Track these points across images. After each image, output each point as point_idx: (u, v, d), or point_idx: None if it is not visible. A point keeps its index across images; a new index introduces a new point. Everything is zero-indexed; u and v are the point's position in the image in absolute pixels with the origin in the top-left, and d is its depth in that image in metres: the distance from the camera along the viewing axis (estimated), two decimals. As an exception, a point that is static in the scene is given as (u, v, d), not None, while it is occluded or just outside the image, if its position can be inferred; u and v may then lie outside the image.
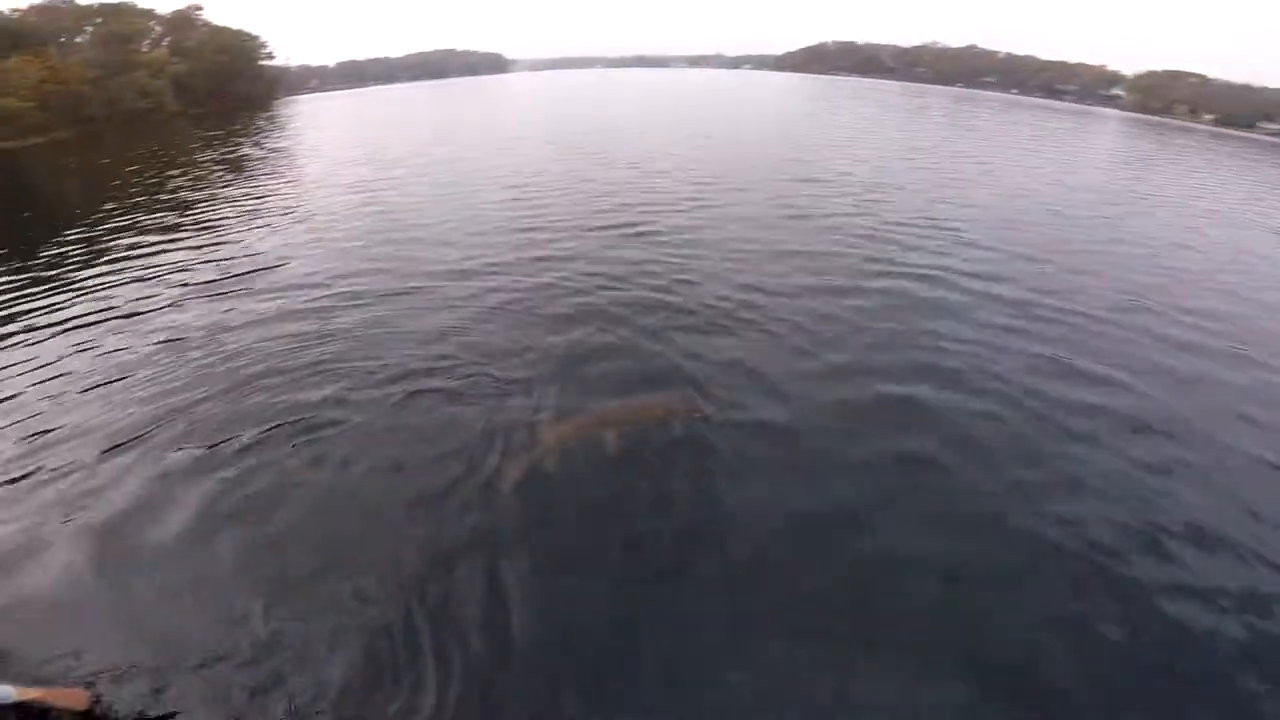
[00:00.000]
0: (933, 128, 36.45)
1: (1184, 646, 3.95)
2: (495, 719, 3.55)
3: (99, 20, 54.39)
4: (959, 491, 5.21)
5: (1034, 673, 3.80)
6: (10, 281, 10.58)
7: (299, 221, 14.02)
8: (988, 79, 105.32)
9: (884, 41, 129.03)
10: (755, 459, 5.49)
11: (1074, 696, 3.66)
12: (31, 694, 3.32)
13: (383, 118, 45.50)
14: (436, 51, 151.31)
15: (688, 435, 5.74)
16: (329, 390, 6.52)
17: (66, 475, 5.43)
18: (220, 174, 21.61)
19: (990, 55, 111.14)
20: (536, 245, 11.14)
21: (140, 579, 4.40)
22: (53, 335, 8.34)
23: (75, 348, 7.90)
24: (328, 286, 9.48)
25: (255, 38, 70.07)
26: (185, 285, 10.07)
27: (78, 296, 9.75)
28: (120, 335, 8.20)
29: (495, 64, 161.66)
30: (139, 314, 8.91)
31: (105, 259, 11.75)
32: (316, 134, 35.87)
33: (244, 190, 18.26)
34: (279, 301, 9.01)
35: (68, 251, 12.40)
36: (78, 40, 53.31)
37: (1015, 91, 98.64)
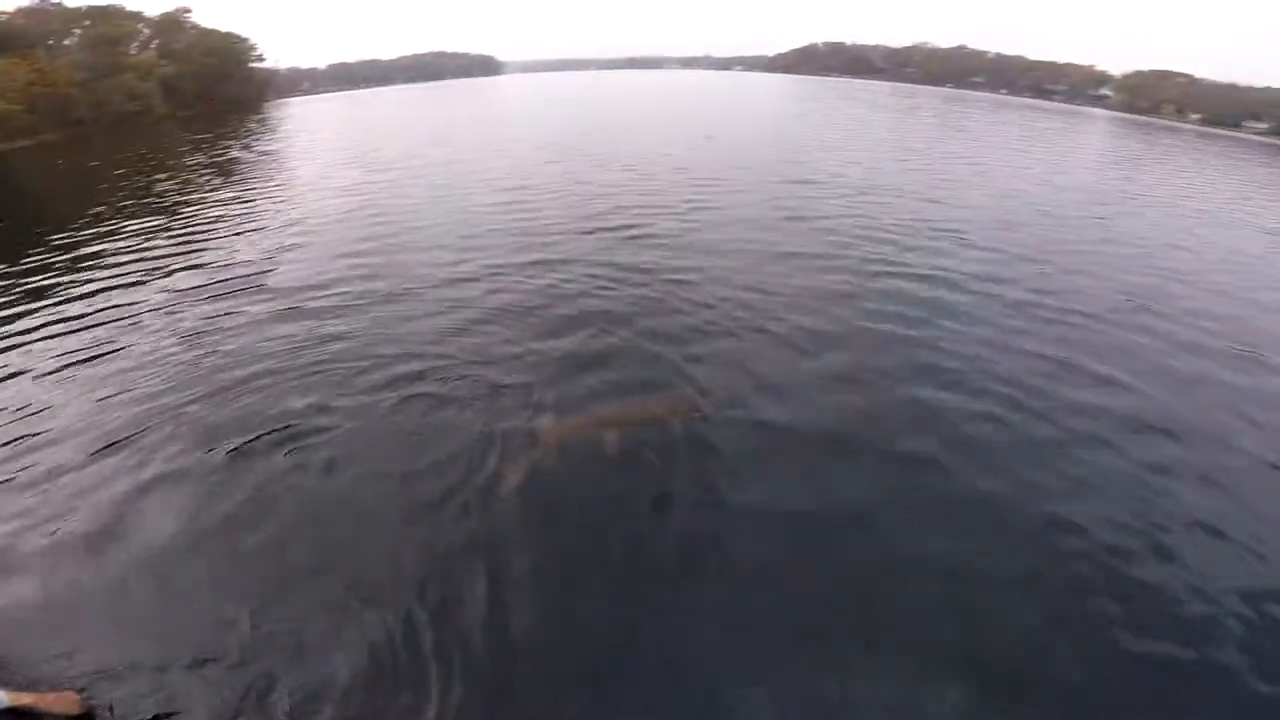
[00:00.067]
0: (923, 128, 36.65)
1: (1186, 646, 3.95)
2: (496, 718, 3.53)
3: (87, 23, 54.07)
4: (959, 491, 5.21)
5: (1036, 672, 3.80)
6: (-3, 285, 10.44)
7: (290, 225, 13.90)
8: (977, 79, 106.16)
9: (874, 42, 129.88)
10: (755, 459, 5.48)
11: (1075, 695, 3.66)
12: (23, 699, 3.29)
13: (374, 120, 45.34)
14: (428, 54, 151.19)
15: (688, 435, 5.72)
16: (324, 394, 6.46)
17: (57, 478, 5.37)
18: (209, 177, 21.45)
19: (979, 55, 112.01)
20: (533, 249, 11.07)
21: (133, 581, 4.36)
22: (40, 339, 8.25)
23: (64, 352, 7.81)
24: (320, 290, 9.40)
25: (245, 40, 69.88)
26: (175, 289, 9.97)
27: (65, 301, 9.66)
28: (111, 339, 8.11)
29: (487, 66, 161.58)
30: (129, 318, 8.82)
31: (93, 262, 11.64)
32: (307, 137, 35.69)
33: (234, 193, 18.12)
34: (271, 305, 8.93)
35: (55, 255, 12.28)
36: (66, 43, 52.99)
37: (1004, 92, 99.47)
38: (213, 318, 8.62)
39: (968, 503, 5.10)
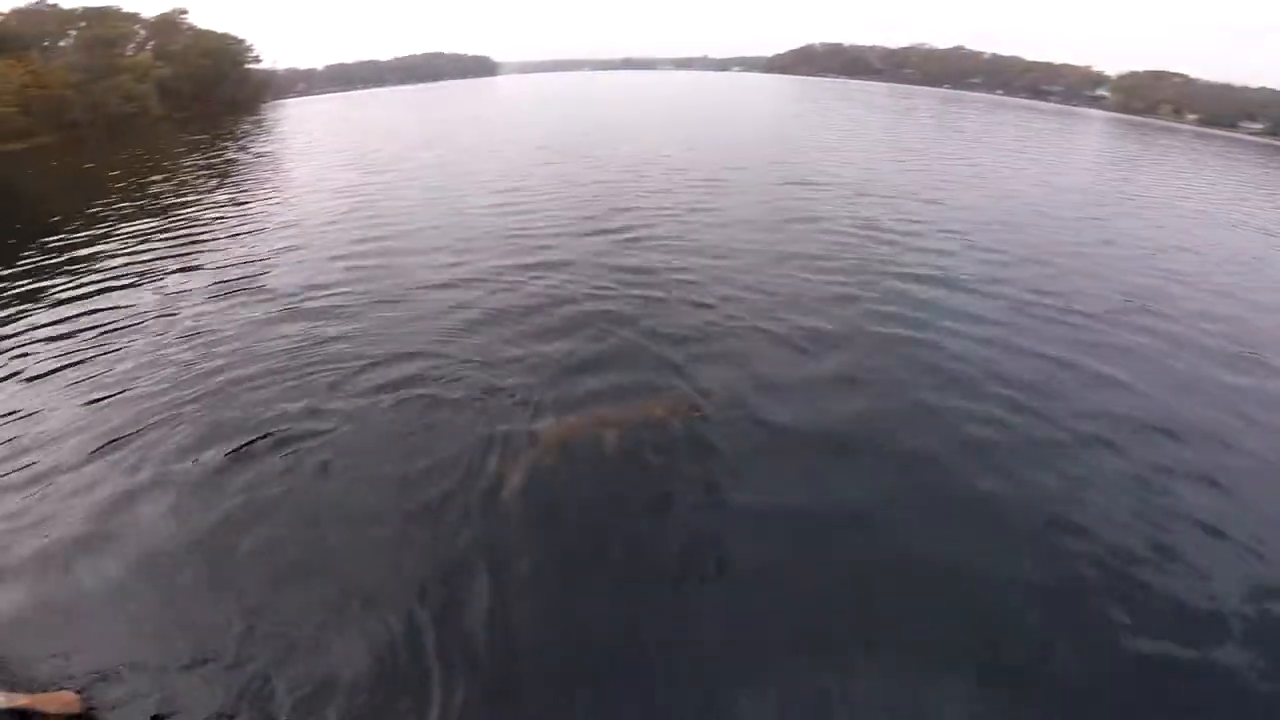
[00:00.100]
0: (921, 129, 36.72)
1: (1187, 645, 3.95)
2: (496, 718, 3.52)
3: (83, 24, 53.86)
4: (959, 491, 5.21)
5: (1036, 672, 3.79)
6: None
7: (287, 226, 13.86)
8: (974, 80, 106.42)
9: (871, 43, 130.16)
10: (755, 459, 5.48)
11: (1076, 695, 3.66)
12: (21, 700, 3.28)
13: (371, 121, 45.25)
14: (425, 54, 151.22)
15: (688, 435, 5.71)
16: (322, 396, 6.44)
17: (54, 479, 5.35)
18: (205, 179, 21.38)
19: (976, 56, 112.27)
20: (531, 250, 11.05)
21: (130, 582, 4.34)
22: (35, 342, 8.21)
23: (59, 354, 7.78)
24: (318, 292, 9.37)
25: (241, 41, 69.69)
26: (171, 291, 9.93)
27: (60, 304, 9.62)
28: (106, 342, 8.08)
29: (483, 67, 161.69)
30: (124, 321, 8.78)
31: (88, 265, 11.59)
32: (304, 138, 35.60)
33: (230, 195, 18.07)
34: (268, 307, 8.90)
35: (50, 257, 12.23)
36: (61, 44, 52.75)
37: (1001, 92, 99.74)
38: (209, 320, 8.59)
39: (968, 503, 5.09)
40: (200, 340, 7.90)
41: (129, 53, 56.99)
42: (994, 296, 9.24)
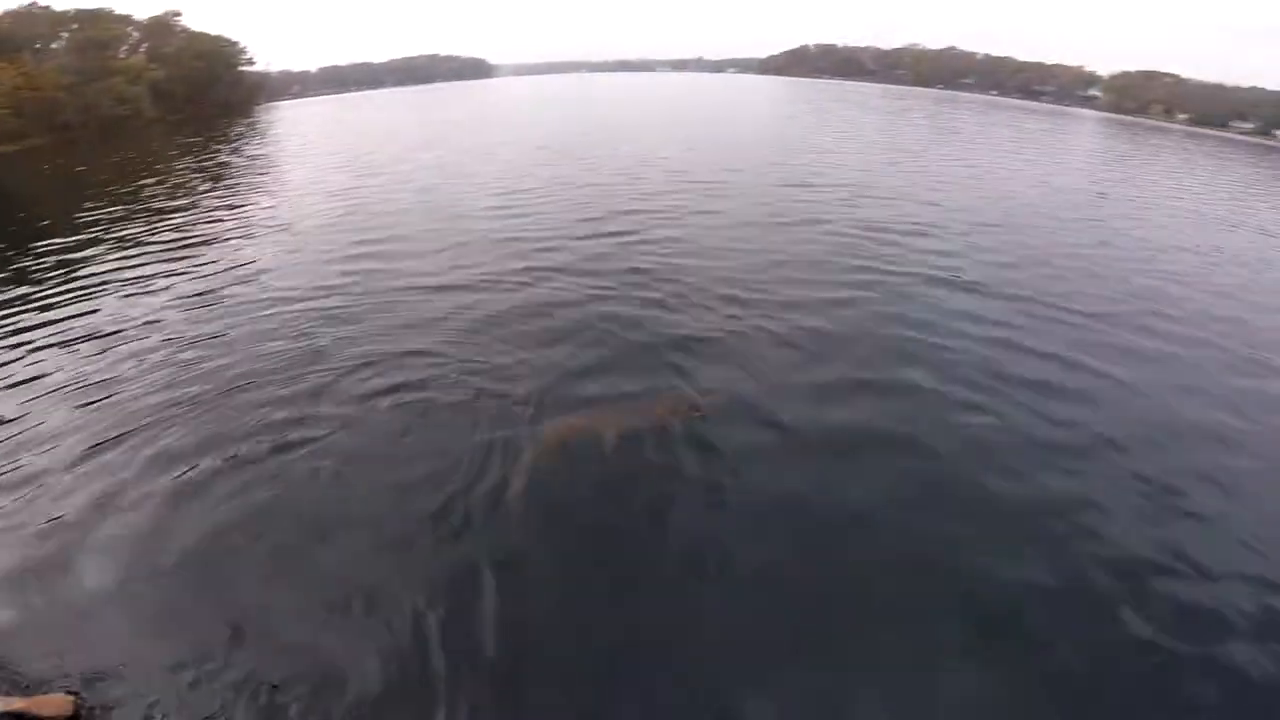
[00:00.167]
0: (916, 130, 36.84)
1: (1188, 644, 3.93)
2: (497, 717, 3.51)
3: (75, 26, 53.74)
4: (960, 491, 5.19)
5: (1037, 672, 3.78)
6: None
7: (279, 230, 13.78)
8: (967, 80, 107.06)
9: (864, 44, 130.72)
10: (755, 459, 5.45)
11: (1077, 695, 3.65)
12: (14, 704, 3.23)
13: (366, 123, 45.18)
14: (419, 57, 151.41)
15: (688, 435, 5.68)
16: (319, 399, 6.39)
17: (46, 481, 5.30)
18: (198, 182, 21.29)
19: (969, 57, 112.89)
20: (529, 252, 11.00)
21: (125, 584, 4.29)
22: (26, 346, 8.14)
23: (50, 358, 7.72)
24: (311, 297, 9.29)
25: (235, 43, 69.74)
26: (164, 295, 9.86)
27: (50, 308, 9.53)
28: (98, 345, 8.02)
29: (478, 69, 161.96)
30: (117, 324, 8.71)
31: (80, 268, 11.50)
32: (298, 140, 35.52)
33: (223, 198, 17.99)
34: (263, 310, 8.84)
35: (41, 260, 12.14)
36: (53, 46, 52.62)
37: (994, 93, 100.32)
38: (203, 323, 8.53)
39: (968, 502, 5.08)
40: (194, 344, 7.83)
41: (122, 55, 56.90)
42: (994, 296, 9.25)
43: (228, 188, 19.90)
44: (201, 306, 9.22)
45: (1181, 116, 76.37)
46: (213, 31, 67.25)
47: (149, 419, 6.12)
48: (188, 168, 24.77)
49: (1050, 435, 5.93)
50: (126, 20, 59.18)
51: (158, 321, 8.74)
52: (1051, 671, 3.77)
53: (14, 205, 20.67)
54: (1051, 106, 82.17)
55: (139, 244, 13.04)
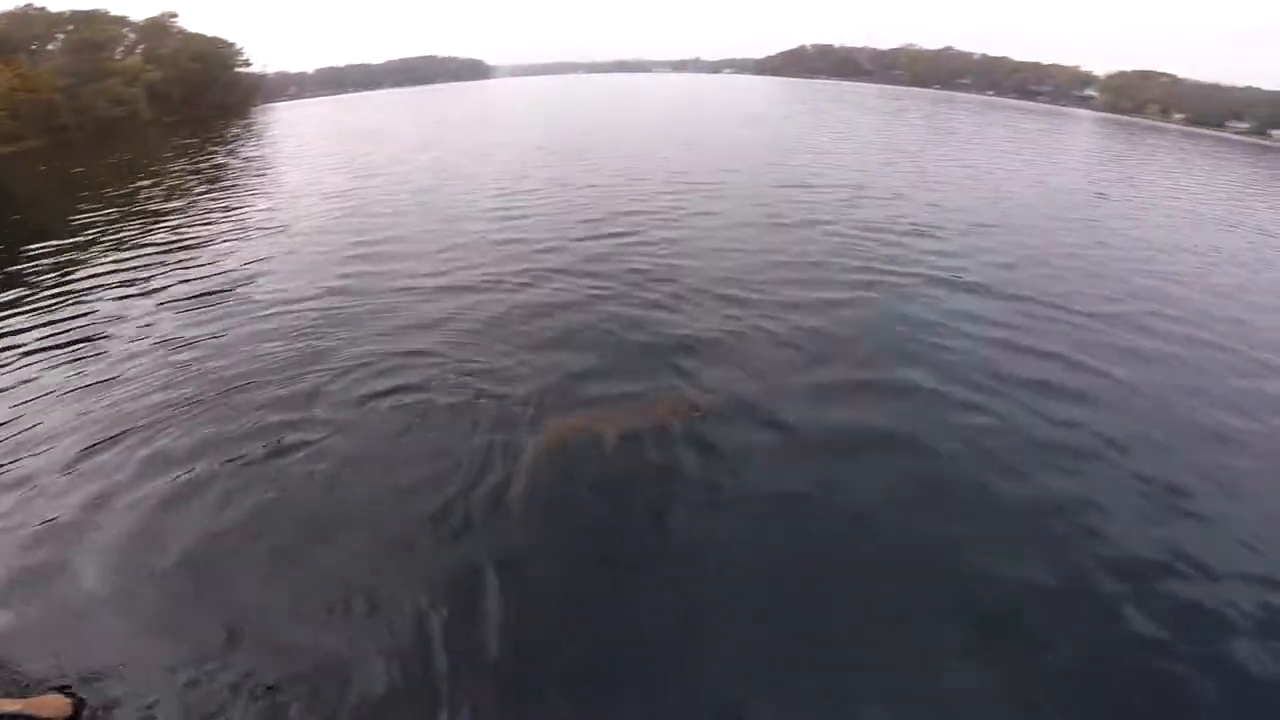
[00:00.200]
0: (913, 131, 36.86)
1: (1189, 644, 3.94)
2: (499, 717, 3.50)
3: (71, 27, 53.62)
4: (960, 491, 5.19)
5: (1038, 672, 3.78)
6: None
7: (276, 232, 13.73)
8: (963, 80, 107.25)
9: (861, 44, 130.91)
10: (755, 458, 5.45)
11: (1077, 695, 3.64)
12: (11, 705, 3.22)
13: (363, 124, 45.10)
14: (417, 57, 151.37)
15: (688, 435, 5.68)
16: (317, 401, 6.37)
17: (41, 482, 5.28)
18: (194, 183, 21.22)
19: (966, 57, 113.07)
20: (528, 253, 10.98)
21: (123, 584, 4.28)
22: (21, 347, 8.11)
23: (46, 360, 7.69)
24: (309, 298, 9.27)
25: (231, 44, 69.66)
26: (160, 297, 9.82)
27: (46, 309, 9.50)
28: (94, 348, 8.00)
29: (476, 70, 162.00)
30: (113, 326, 8.68)
31: (74, 270, 11.46)
32: (294, 141, 35.47)
33: (219, 200, 17.92)
34: (260, 312, 8.81)
35: (36, 262, 12.10)
36: (49, 47, 52.49)
37: (991, 93, 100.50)
38: (200, 325, 8.49)
39: (969, 502, 5.08)
40: (191, 345, 7.81)
41: (118, 56, 56.82)
42: (993, 296, 9.25)
43: (224, 189, 19.84)
44: (198, 308, 9.18)
45: (1178, 116, 76.53)
46: (209, 33, 67.31)
47: (146, 420, 6.10)
48: (184, 169, 24.70)
49: (1050, 435, 5.92)
50: (122, 21, 59.08)
51: (154, 323, 8.71)
52: (1052, 671, 3.77)
53: (10, 207, 20.61)
54: (1048, 106, 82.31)
55: (135, 245, 13.00)
